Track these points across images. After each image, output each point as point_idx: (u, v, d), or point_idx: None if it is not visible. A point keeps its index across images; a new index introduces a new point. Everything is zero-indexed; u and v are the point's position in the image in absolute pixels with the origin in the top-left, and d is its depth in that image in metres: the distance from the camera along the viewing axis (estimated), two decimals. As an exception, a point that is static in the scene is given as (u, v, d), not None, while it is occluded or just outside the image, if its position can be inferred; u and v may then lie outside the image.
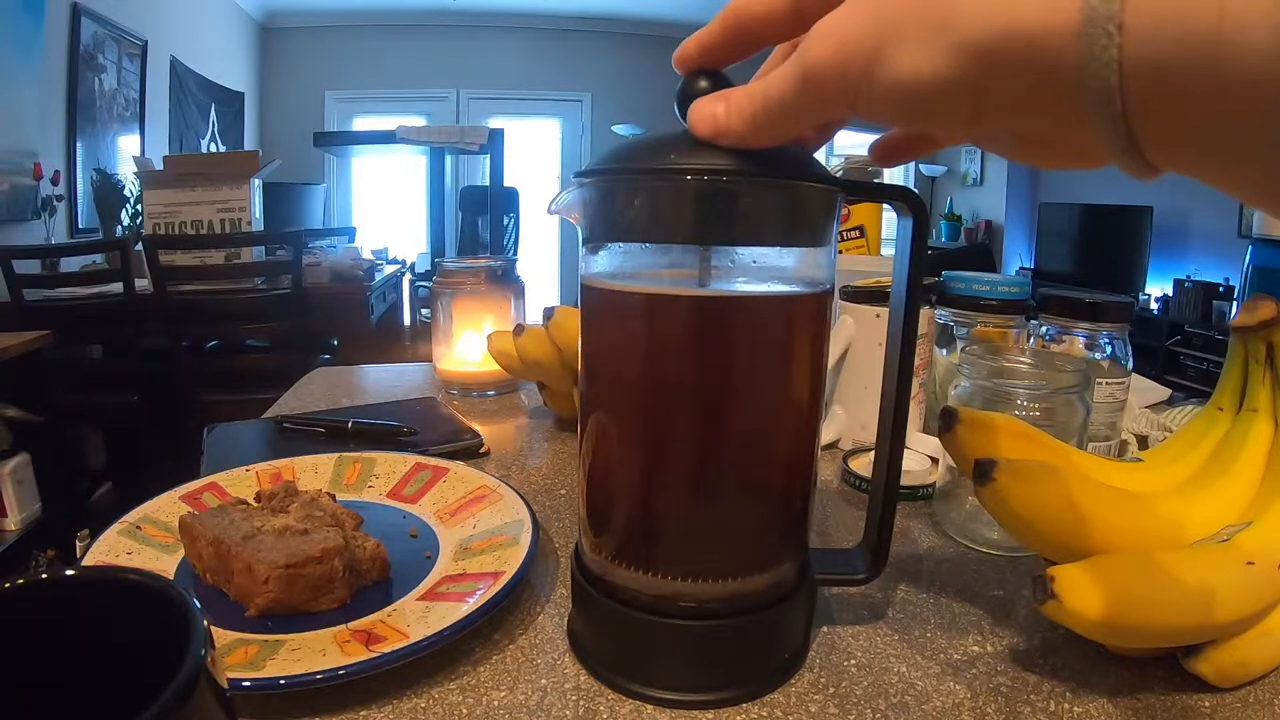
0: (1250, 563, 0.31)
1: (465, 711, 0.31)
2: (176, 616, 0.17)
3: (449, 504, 0.47)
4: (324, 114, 4.78)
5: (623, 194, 0.29)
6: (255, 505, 0.43)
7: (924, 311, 0.59)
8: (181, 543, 0.40)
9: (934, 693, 0.32)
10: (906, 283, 0.32)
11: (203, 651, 0.15)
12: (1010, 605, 0.39)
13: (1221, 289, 3.65)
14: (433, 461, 0.53)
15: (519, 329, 0.66)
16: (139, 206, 2.42)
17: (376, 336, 2.60)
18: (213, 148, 3.91)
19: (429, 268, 3.05)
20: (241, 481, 0.50)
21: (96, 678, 0.19)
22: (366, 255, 2.87)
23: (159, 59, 3.29)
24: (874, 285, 0.61)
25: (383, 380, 0.89)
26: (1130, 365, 0.57)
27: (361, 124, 4.81)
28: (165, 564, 0.40)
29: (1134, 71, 0.16)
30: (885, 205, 0.35)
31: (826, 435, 0.63)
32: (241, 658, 0.32)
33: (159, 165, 2.40)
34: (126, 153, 2.99)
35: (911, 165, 5.18)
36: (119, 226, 2.62)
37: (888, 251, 0.67)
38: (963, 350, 0.50)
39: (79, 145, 2.68)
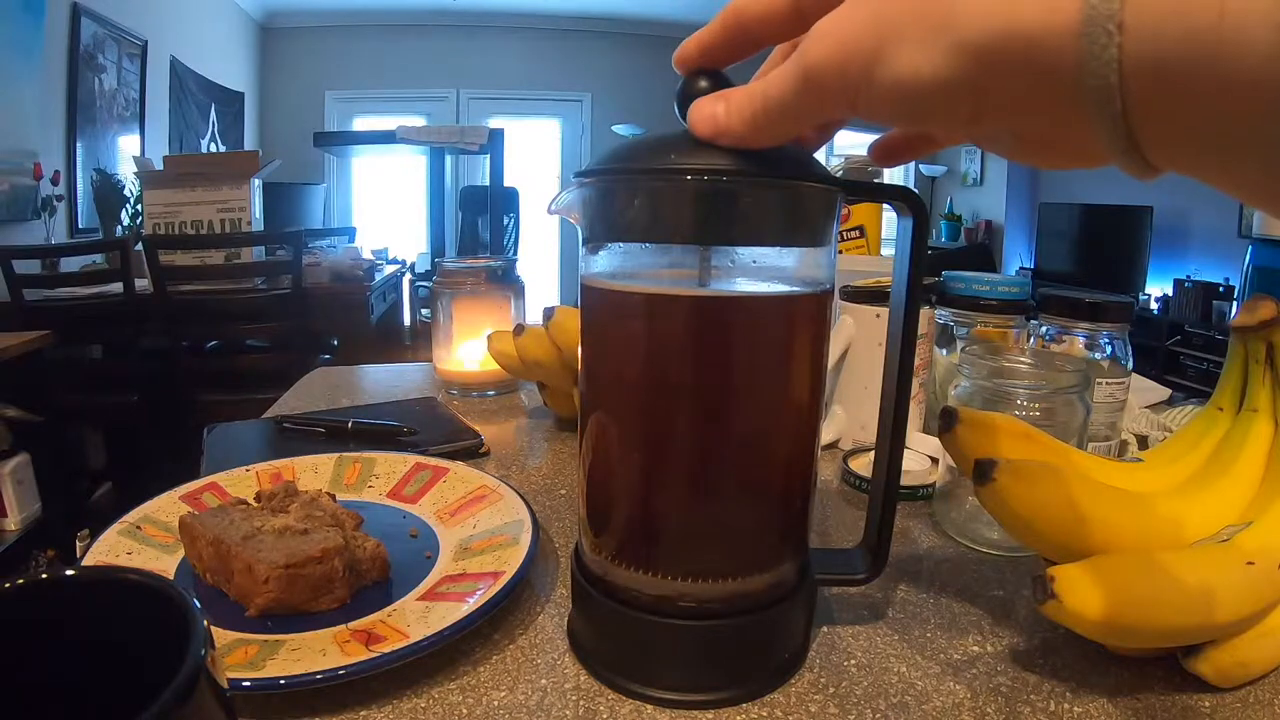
0: (1250, 563, 0.31)
1: (465, 711, 0.31)
2: (176, 616, 0.17)
3: (449, 504, 0.47)
4: (324, 114, 4.78)
5: (623, 194, 0.29)
6: (255, 505, 0.43)
7: (924, 311, 0.59)
8: (181, 543, 0.40)
9: (934, 693, 0.32)
10: (906, 283, 0.32)
11: (203, 651, 0.15)
12: (1010, 605, 0.39)
13: (1221, 289, 3.65)
14: (433, 461, 0.53)
15: (519, 329, 0.66)
16: (139, 206, 2.42)
17: (376, 336, 2.60)
18: (213, 148, 3.91)
19: (429, 268, 3.05)
20: (241, 481, 0.50)
21: (96, 678, 0.19)
22: (366, 255, 2.88)
23: (159, 59, 3.29)
24: (874, 285, 0.61)
25: (383, 380, 0.89)
26: (1130, 365, 0.57)
27: (361, 124, 4.81)
28: (165, 564, 0.40)
29: (1134, 71, 0.16)
30: (885, 205, 0.35)
31: (826, 435, 0.63)
32: (241, 658, 0.32)
33: (159, 165, 2.40)
34: (126, 153, 2.99)
35: (911, 165, 5.18)
36: (119, 226, 2.62)
37: (888, 251, 0.67)
38: (963, 350, 0.50)
39: (79, 145, 2.69)
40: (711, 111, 0.26)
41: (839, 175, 0.30)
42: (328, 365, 0.96)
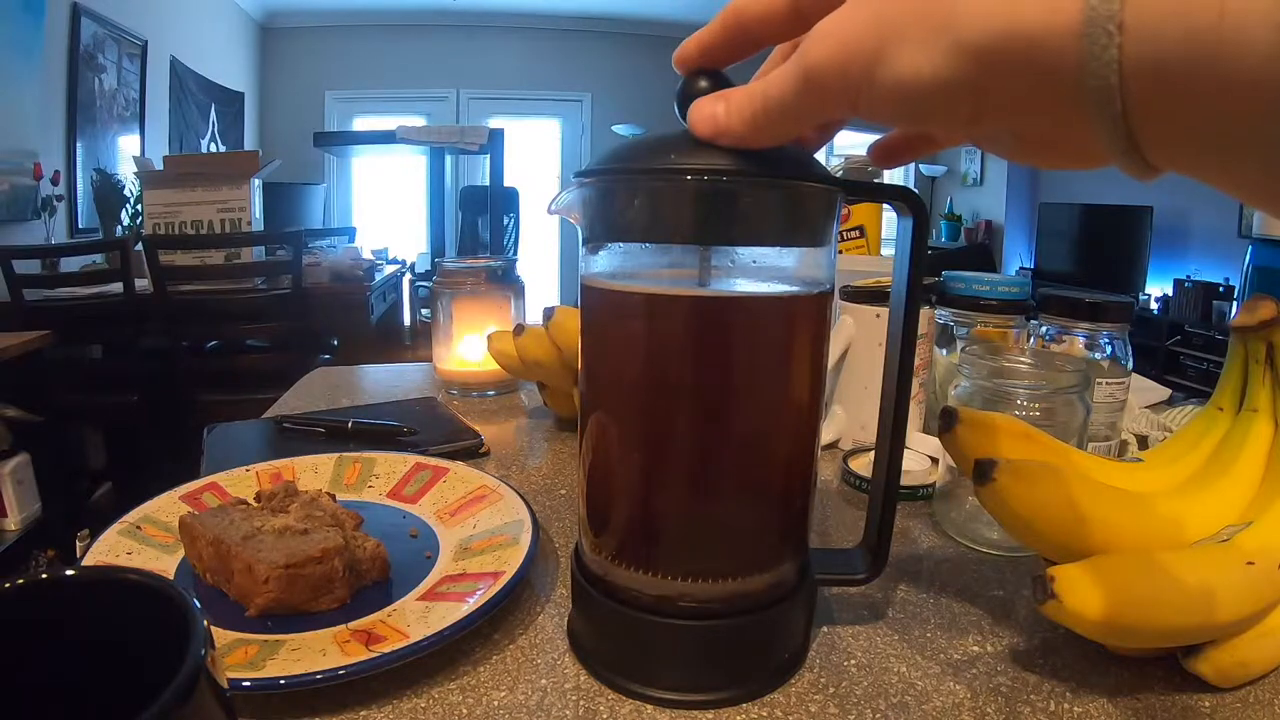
0: (1250, 563, 0.31)
1: (465, 711, 0.31)
2: (176, 616, 0.17)
3: (449, 504, 0.47)
4: (324, 114, 4.78)
5: (623, 194, 0.29)
6: (255, 505, 0.43)
7: (924, 311, 0.59)
8: (181, 543, 0.40)
9: (934, 693, 0.32)
10: (906, 283, 0.32)
11: (203, 651, 0.15)
12: (1010, 605, 0.39)
13: (1221, 289, 3.65)
14: (433, 461, 0.53)
15: (519, 329, 0.66)
16: (139, 206, 2.42)
17: (376, 336, 2.60)
18: (213, 148, 3.91)
19: (429, 268, 3.05)
20: (241, 481, 0.50)
21: (96, 678, 0.18)
22: (366, 255, 2.87)
23: (159, 59, 3.29)
24: (874, 285, 0.61)
25: (383, 380, 0.89)
26: (1130, 365, 0.57)
27: (361, 124, 4.81)
28: (165, 564, 0.40)
29: (1134, 71, 0.16)
30: (885, 205, 0.35)
31: (826, 435, 0.63)
32: (241, 658, 0.32)
33: (159, 165, 2.40)
34: (126, 153, 2.99)
35: (911, 165, 5.18)
36: (119, 226, 2.62)
37: (888, 251, 0.67)
38: (963, 350, 0.50)
39: (79, 145, 2.69)
40: (711, 111, 0.26)
41: (839, 175, 0.30)
42: (328, 365, 0.96)
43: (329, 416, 0.67)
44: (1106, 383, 0.55)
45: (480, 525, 0.44)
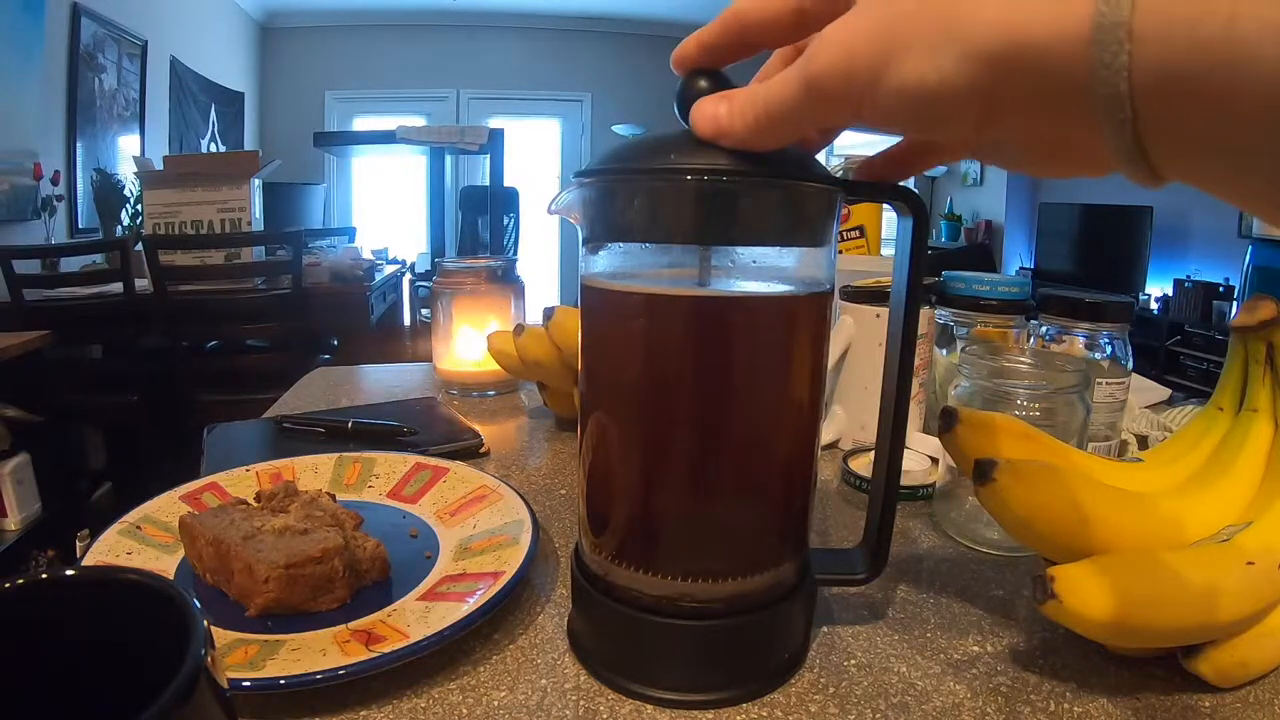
0: (1250, 563, 0.31)
1: (465, 711, 0.31)
2: (176, 616, 0.17)
3: (449, 504, 0.47)
4: (324, 114, 4.78)
5: (623, 194, 0.29)
6: (255, 505, 0.43)
7: (924, 311, 0.59)
8: (181, 543, 0.40)
9: (934, 693, 0.32)
10: (906, 283, 0.32)
11: (203, 651, 0.15)
12: (1010, 605, 0.39)
13: (1221, 289, 3.65)
14: (433, 461, 0.53)
15: (519, 329, 0.66)
16: (139, 206, 2.42)
17: (376, 336, 2.60)
18: (213, 148, 3.91)
19: (429, 268, 3.04)
20: (241, 481, 0.50)
21: (96, 678, 0.18)
22: (366, 255, 2.87)
23: (159, 59, 3.29)
24: (874, 285, 0.61)
25: (383, 380, 0.89)
26: (1130, 365, 0.57)
27: (361, 124, 4.81)
28: (165, 564, 0.40)
29: (1143, 79, 0.16)
30: (885, 205, 0.35)
31: (826, 435, 0.63)
32: (241, 658, 0.32)
33: (159, 165, 2.40)
34: (126, 153, 2.99)
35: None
36: (119, 226, 2.62)
37: (888, 251, 0.67)
38: (963, 350, 0.50)
39: (79, 145, 2.69)
40: (714, 112, 0.26)
41: (839, 175, 0.30)
42: (328, 365, 0.96)
43: (329, 416, 0.67)
44: (1106, 383, 0.55)
45: (480, 525, 0.44)
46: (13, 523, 1.65)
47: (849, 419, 0.63)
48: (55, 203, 2.46)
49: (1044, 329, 0.60)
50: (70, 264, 2.23)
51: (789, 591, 0.32)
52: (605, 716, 0.30)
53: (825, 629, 0.37)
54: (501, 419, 0.73)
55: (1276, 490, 0.36)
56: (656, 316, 0.30)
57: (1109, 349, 0.57)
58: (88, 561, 0.38)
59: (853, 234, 0.82)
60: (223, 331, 2.13)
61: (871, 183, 0.31)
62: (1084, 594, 0.30)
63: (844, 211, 0.79)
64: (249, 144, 4.41)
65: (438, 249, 2.99)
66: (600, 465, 0.32)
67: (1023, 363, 0.47)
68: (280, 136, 4.52)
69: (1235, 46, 0.14)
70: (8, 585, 0.18)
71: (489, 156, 2.69)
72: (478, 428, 0.65)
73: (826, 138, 0.31)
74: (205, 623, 0.16)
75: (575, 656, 0.34)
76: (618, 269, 0.31)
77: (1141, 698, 0.32)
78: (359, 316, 2.37)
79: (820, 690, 0.32)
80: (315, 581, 0.36)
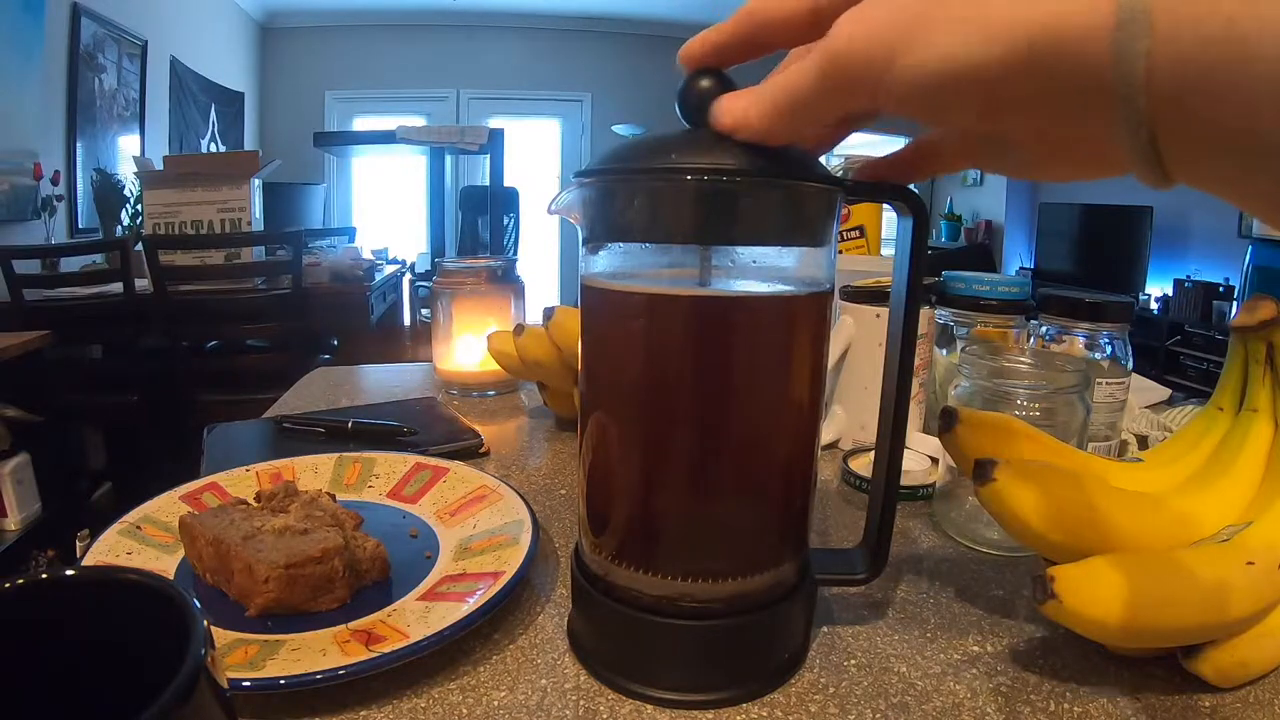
0: (1250, 563, 0.31)
1: (465, 711, 0.31)
2: (176, 616, 0.17)
3: (449, 504, 0.47)
4: (324, 114, 4.78)
5: (623, 194, 0.29)
6: (255, 505, 0.43)
7: (924, 311, 0.59)
8: (181, 543, 0.40)
9: (934, 693, 0.32)
10: (906, 283, 0.32)
11: (203, 651, 0.15)
12: (1010, 605, 0.39)
13: (1221, 289, 3.65)
14: (433, 461, 0.53)
15: (519, 329, 0.66)
16: (139, 206, 2.42)
17: (376, 336, 2.60)
18: (213, 148, 3.91)
19: (429, 268, 3.04)
20: (241, 481, 0.50)
21: (96, 678, 0.18)
22: (366, 255, 2.87)
23: (159, 59, 3.29)
24: (874, 285, 0.61)
25: (383, 380, 0.89)
26: (1130, 365, 0.57)
27: (361, 124, 4.81)
28: (165, 564, 0.40)
29: (1158, 74, 0.16)
30: (885, 205, 0.35)
31: (826, 435, 0.63)
32: (241, 658, 0.32)
33: (159, 165, 2.40)
34: (126, 153, 2.99)
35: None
36: (119, 226, 2.62)
37: (888, 251, 0.67)
38: (963, 350, 0.50)
39: (79, 145, 2.68)
40: (732, 105, 0.26)
41: (839, 175, 0.30)
42: (328, 365, 0.96)
43: (329, 416, 0.67)
44: (1106, 383, 0.55)
45: (480, 525, 0.44)
46: (13, 523, 1.65)
47: (849, 419, 0.63)
48: (55, 203, 2.46)
49: (1044, 329, 0.60)
50: (70, 264, 2.23)
51: (789, 591, 0.32)
52: (605, 716, 0.30)
53: (825, 629, 0.37)
54: (501, 419, 0.73)
55: (1276, 490, 0.36)
56: (656, 316, 0.30)
57: (1109, 349, 0.57)
58: (88, 561, 0.38)
59: (853, 234, 0.82)
60: (223, 331, 2.13)
61: (871, 183, 0.31)
62: (1084, 594, 0.30)
63: (844, 211, 0.79)
64: (249, 144, 4.41)
65: (438, 249, 2.99)
66: (600, 465, 0.32)
67: (1023, 363, 0.47)
68: (280, 136, 4.52)
69: (1235, 45, 0.15)
70: (8, 585, 0.18)
71: (489, 156, 2.69)
72: (478, 428, 0.65)
73: (837, 135, 0.30)
74: (205, 623, 0.16)
75: (575, 656, 0.34)
76: (618, 269, 0.31)
77: (1141, 698, 0.32)
78: (359, 316, 2.37)
79: (820, 690, 0.32)
80: (315, 581, 0.36)
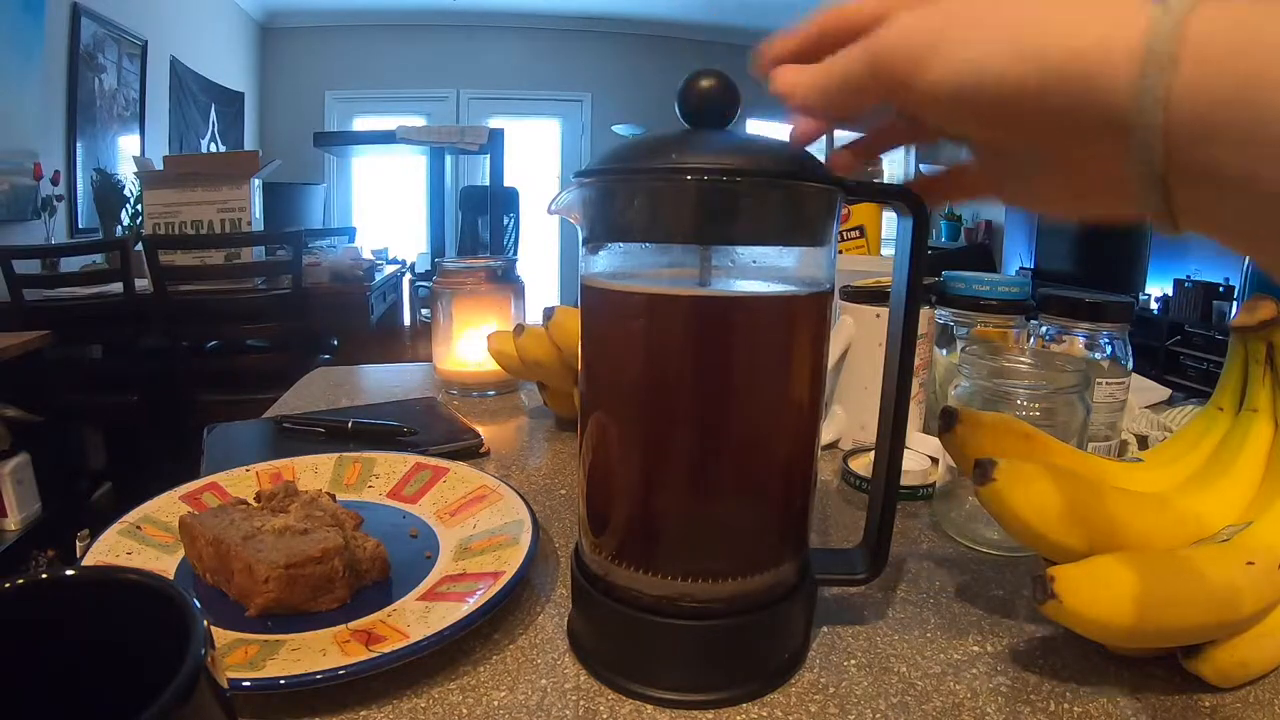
0: (1250, 562, 0.31)
1: (465, 711, 0.31)
2: (176, 616, 0.17)
3: (449, 504, 0.47)
4: (324, 114, 4.78)
5: (623, 194, 0.29)
6: (255, 505, 0.43)
7: (924, 311, 0.59)
8: (181, 543, 0.40)
9: (934, 693, 0.32)
10: (906, 283, 0.32)
11: (203, 651, 0.15)
12: (1010, 605, 0.39)
13: (1221, 289, 3.64)
14: (433, 461, 0.53)
15: (519, 329, 0.66)
16: (139, 206, 2.42)
17: (376, 336, 2.60)
18: (213, 148, 3.91)
19: (429, 268, 3.04)
20: (241, 481, 0.50)
21: (96, 678, 0.18)
22: (366, 255, 2.87)
23: (159, 59, 3.29)
24: (874, 285, 0.61)
25: (383, 380, 0.89)
26: (1130, 365, 0.57)
27: (361, 124, 4.80)
28: (165, 564, 0.40)
29: (1178, 108, 0.17)
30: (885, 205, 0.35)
31: (826, 435, 0.63)
32: (241, 658, 0.32)
33: (159, 165, 2.39)
34: (126, 153, 2.99)
35: (911, 165, 5.18)
36: (119, 226, 2.62)
37: (888, 251, 0.67)
38: (963, 350, 0.50)
39: (79, 145, 2.68)
40: (787, 74, 0.27)
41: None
42: (328, 365, 0.96)
43: (329, 416, 0.67)
44: (1106, 383, 0.55)
45: (480, 525, 0.44)
46: (13, 523, 1.64)
47: (849, 419, 0.63)
48: (55, 203, 2.46)
49: (1044, 329, 0.60)
50: (70, 264, 2.23)
51: (789, 591, 0.32)
52: (605, 716, 0.30)
53: (825, 629, 0.37)
54: (501, 419, 0.73)
55: (1276, 490, 0.36)
56: (656, 316, 0.30)
57: (1109, 349, 0.57)
58: (88, 561, 0.38)
59: (853, 234, 0.82)
60: (223, 331, 2.13)
61: (871, 183, 0.31)
62: (1084, 594, 0.30)
63: (844, 211, 0.79)
64: (249, 144, 4.40)
65: (438, 249, 2.98)
66: (600, 465, 0.32)
67: (1023, 363, 0.47)
68: (280, 136, 4.51)
69: (1249, 107, 0.16)
70: (8, 585, 0.18)
71: (489, 156, 2.69)
72: (478, 428, 0.65)
73: (881, 141, 0.31)
74: (205, 623, 0.16)
75: (575, 656, 0.34)
76: (618, 269, 0.31)
77: (1141, 698, 0.32)
78: (359, 316, 2.37)
79: (820, 690, 0.32)
80: (315, 581, 0.36)
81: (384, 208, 4.90)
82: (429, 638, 0.32)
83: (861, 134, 0.30)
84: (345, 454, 0.54)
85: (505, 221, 3.79)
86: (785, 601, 0.32)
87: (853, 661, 0.34)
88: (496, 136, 2.60)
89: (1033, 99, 0.20)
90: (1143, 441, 0.61)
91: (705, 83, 0.28)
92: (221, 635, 0.34)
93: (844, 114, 0.27)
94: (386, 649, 0.31)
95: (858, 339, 0.61)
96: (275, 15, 4.57)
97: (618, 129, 4.83)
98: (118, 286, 1.95)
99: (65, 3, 2.57)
